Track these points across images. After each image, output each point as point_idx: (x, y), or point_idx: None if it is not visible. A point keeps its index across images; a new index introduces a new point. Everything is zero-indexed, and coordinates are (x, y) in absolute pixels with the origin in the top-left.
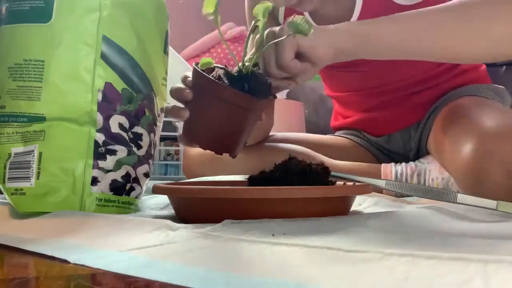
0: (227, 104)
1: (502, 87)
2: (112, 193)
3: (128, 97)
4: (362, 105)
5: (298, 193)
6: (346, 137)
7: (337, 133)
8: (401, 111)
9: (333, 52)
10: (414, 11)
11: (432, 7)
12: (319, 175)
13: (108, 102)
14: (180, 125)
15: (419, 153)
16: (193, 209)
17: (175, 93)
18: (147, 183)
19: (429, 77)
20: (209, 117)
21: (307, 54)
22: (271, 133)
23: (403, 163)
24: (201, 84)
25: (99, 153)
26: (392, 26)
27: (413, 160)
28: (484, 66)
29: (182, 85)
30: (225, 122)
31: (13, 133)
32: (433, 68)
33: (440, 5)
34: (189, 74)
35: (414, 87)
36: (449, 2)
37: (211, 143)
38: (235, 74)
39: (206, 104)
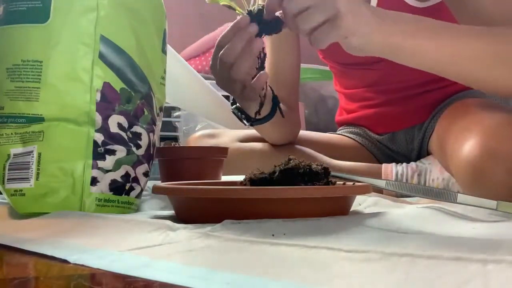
0: None
1: None
2: (111, 193)
3: (127, 97)
4: (370, 101)
5: (298, 193)
6: (348, 137)
7: (340, 129)
8: (407, 109)
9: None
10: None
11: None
12: (319, 175)
13: (107, 102)
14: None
15: (420, 152)
16: (193, 209)
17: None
18: (147, 183)
19: (440, 77)
20: None
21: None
22: None
23: (404, 163)
24: None
25: (98, 153)
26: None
27: (415, 160)
28: None
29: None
30: None
31: (12, 134)
32: None
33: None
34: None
35: (424, 87)
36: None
37: None
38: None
39: None
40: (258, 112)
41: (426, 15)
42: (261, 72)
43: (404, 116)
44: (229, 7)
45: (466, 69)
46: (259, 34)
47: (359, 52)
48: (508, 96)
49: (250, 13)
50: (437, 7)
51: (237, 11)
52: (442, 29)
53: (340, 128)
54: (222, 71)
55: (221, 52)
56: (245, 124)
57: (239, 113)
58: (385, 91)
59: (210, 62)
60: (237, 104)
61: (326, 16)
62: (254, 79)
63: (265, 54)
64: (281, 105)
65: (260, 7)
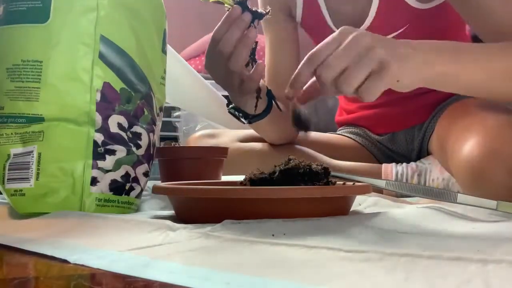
0: None
1: None
2: (111, 193)
3: (127, 97)
4: (370, 102)
5: (298, 193)
6: (348, 137)
7: (340, 130)
8: (407, 110)
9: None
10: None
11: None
12: (319, 175)
13: (107, 102)
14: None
15: (421, 153)
16: (193, 209)
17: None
18: (147, 183)
19: None
20: None
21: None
22: None
23: (404, 164)
24: None
25: (98, 153)
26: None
27: (415, 161)
28: None
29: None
30: None
31: (12, 134)
32: None
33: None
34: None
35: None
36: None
37: None
38: None
39: None
40: (256, 104)
41: (428, 17)
42: (258, 62)
43: (404, 116)
44: (219, 2)
45: (499, 88)
46: (251, 22)
47: (407, 89)
48: None
49: (240, 3)
50: (440, 8)
51: (225, 5)
52: (474, 50)
53: (340, 128)
54: (219, 66)
55: (219, 44)
56: (243, 123)
57: (236, 112)
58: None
59: (205, 61)
60: (233, 104)
61: (368, 71)
62: (252, 70)
63: (256, 43)
64: (278, 103)
65: None
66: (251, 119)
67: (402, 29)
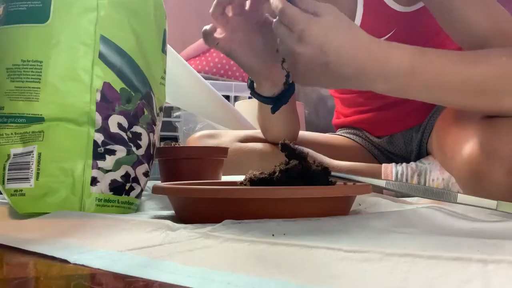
0: None
1: None
2: (111, 193)
3: (127, 97)
4: (366, 106)
5: (298, 193)
6: (347, 137)
7: (338, 131)
8: (403, 112)
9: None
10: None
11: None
12: (319, 175)
13: (107, 102)
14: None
15: (420, 154)
16: (193, 209)
17: None
18: (147, 183)
19: None
20: None
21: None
22: None
23: (404, 164)
24: None
25: (98, 153)
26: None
27: (414, 162)
28: None
29: None
30: None
31: (12, 134)
32: None
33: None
34: None
35: None
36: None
37: None
38: None
39: None
40: (285, 83)
41: (414, 20)
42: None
43: (401, 119)
44: None
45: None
46: None
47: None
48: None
49: None
50: (421, 11)
51: None
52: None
53: (339, 130)
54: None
55: None
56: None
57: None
58: (380, 96)
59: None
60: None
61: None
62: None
63: None
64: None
65: None
66: (285, 86)
67: (389, 34)
